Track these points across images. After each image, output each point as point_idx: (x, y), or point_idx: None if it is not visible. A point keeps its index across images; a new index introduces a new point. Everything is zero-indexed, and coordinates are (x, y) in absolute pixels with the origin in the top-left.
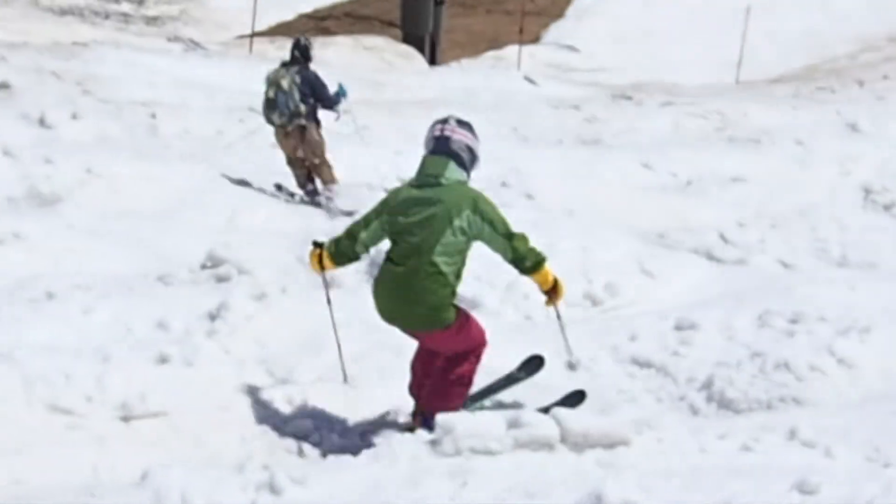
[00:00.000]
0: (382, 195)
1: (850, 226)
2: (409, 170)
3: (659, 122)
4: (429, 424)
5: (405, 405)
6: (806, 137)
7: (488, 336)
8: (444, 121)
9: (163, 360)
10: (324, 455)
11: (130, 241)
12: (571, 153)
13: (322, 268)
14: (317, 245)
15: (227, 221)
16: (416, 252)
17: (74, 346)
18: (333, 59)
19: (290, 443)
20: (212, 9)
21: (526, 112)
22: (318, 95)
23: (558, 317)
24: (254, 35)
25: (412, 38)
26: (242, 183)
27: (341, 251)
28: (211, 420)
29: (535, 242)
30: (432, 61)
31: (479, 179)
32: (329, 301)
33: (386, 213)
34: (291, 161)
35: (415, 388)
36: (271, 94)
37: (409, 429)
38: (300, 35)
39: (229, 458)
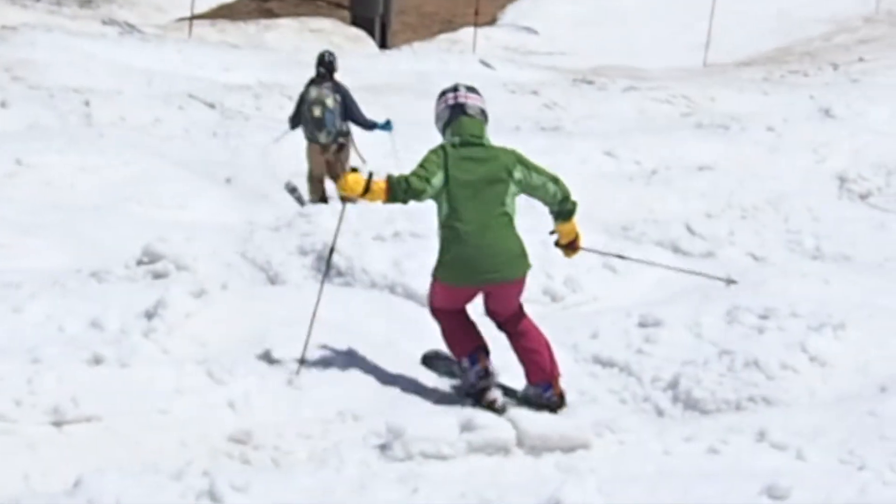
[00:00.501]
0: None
1: (824, 216)
2: (357, 158)
3: (622, 107)
4: (562, 397)
5: (354, 407)
6: (777, 123)
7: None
8: (454, 88)
9: (97, 360)
10: (267, 460)
11: (63, 235)
12: (530, 140)
13: (364, 192)
14: (353, 169)
15: (166, 215)
16: (486, 207)
17: (3, 347)
18: (278, 43)
19: (232, 447)
20: None
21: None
22: (353, 114)
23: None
24: (193, 18)
25: (361, 20)
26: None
27: (413, 187)
28: (148, 424)
29: None
30: (383, 45)
31: None
32: (329, 265)
33: (447, 169)
34: (313, 177)
35: (468, 343)
36: (318, 112)
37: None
38: (324, 50)
39: (167, 463)
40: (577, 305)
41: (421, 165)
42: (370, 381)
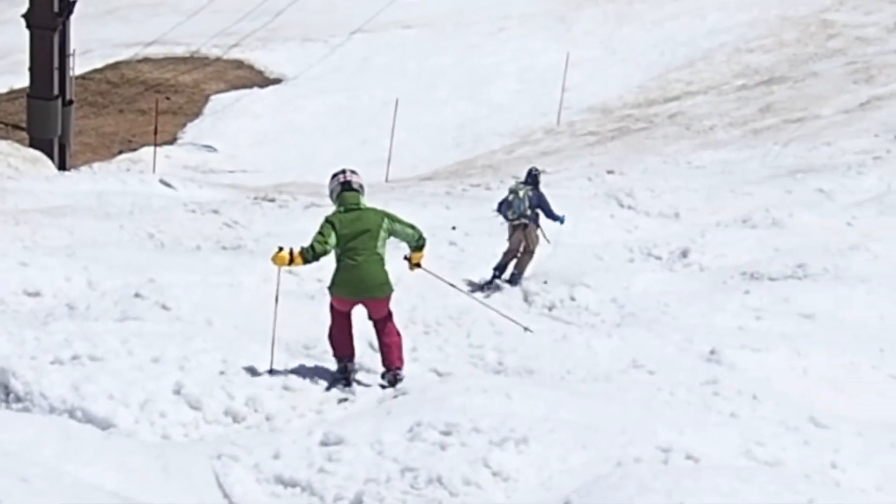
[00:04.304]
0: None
1: (506, 330)
2: (36, 281)
3: (304, 225)
4: (400, 376)
5: None
6: (460, 238)
7: None
8: (342, 171)
9: None
10: None
11: None
12: (210, 259)
13: (290, 262)
14: (280, 248)
15: None
16: (365, 248)
17: None
18: None
19: None
20: None
21: (162, 217)
22: (543, 207)
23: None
24: None
25: (39, 141)
26: None
27: (318, 252)
28: None
29: (170, 356)
30: (62, 166)
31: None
32: (276, 299)
33: (335, 231)
34: (507, 251)
35: (341, 351)
36: (510, 197)
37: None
38: (533, 166)
39: None
40: (259, 425)
41: (319, 233)
42: None
